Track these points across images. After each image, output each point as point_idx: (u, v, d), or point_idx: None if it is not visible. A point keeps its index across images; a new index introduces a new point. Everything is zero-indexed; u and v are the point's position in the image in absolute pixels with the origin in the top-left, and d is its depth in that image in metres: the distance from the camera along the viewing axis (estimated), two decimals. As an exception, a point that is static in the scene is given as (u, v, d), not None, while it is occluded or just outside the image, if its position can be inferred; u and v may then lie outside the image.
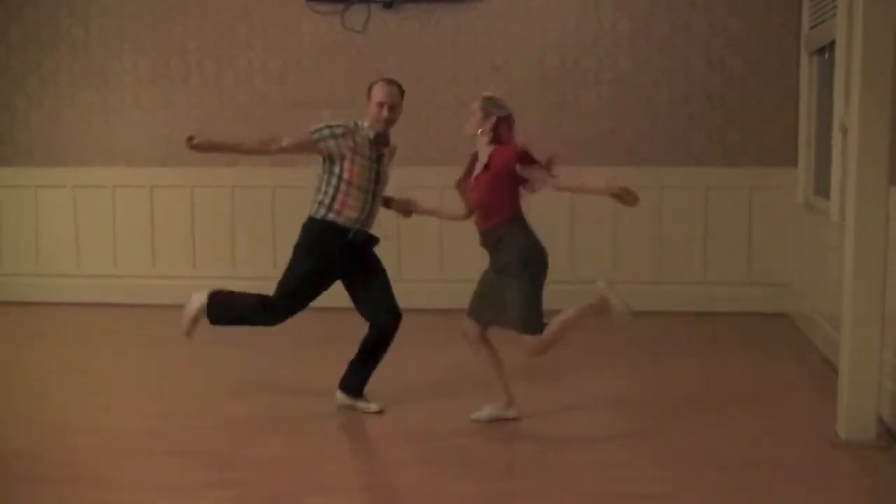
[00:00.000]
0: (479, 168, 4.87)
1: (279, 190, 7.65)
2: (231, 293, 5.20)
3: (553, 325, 4.82)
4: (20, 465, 4.51)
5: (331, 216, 5.00)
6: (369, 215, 5.09)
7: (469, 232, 7.64)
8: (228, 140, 5.16)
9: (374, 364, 5.21)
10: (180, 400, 5.49)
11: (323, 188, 5.04)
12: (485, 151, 4.86)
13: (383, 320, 5.11)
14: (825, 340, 6.21)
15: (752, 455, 4.59)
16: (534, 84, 7.63)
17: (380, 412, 5.16)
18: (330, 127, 4.99)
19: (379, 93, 5.02)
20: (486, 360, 5.00)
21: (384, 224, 5.32)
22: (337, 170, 4.99)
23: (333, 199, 5.00)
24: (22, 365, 6.35)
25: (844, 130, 5.66)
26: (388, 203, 5.21)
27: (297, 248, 5.09)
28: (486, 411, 5.02)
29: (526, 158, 4.74)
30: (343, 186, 4.98)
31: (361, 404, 5.21)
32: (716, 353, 6.50)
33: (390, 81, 5.09)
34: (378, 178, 5.07)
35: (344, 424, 5.08)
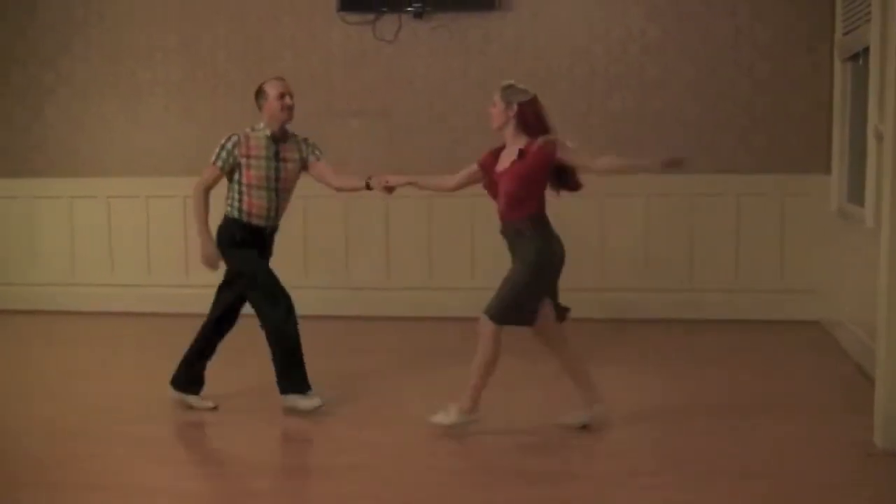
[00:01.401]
0: (508, 159, 4.84)
1: (309, 200, 7.65)
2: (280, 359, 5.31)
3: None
4: (47, 473, 4.55)
5: (244, 218, 5.29)
6: (278, 210, 5.36)
7: (501, 240, 7.70)
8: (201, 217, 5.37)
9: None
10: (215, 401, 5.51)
11: (229, 193, 5.34)
12: (515, 142, 4.83)
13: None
14: (859, 348, 6.16)
15: (785, 464, 4.56)
16: (562, 91, 7.62)
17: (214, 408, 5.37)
18: (222, 146, 5.31)
19: (276, 86, 5.29)
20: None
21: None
22: (237, 176, 5.30)
23: (240, 202, 5.30)
24: (53, 373, 6.40)
25: (879, 137, 5.62)
26: (367, 186, 5.35)
27: (223, 251, 5.35)
28: (452, 414, 4.90)
29: (561, 149, 4.75)
30: (245, 189, 5.28)
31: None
32: (747, 361, 6.46)
33: (279, 77, 5.42)
34: (278, 175, 5.29)
35: (375, 434, 5.07)
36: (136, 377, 6.27)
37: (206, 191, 5.35)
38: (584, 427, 4.96)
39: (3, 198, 8.31)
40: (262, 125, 5.33)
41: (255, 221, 5.29)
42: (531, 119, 4.80)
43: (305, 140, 5.45)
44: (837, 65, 7.15)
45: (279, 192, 5.31)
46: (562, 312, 4.97)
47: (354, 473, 4.49)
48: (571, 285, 7.74)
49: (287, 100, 5.27)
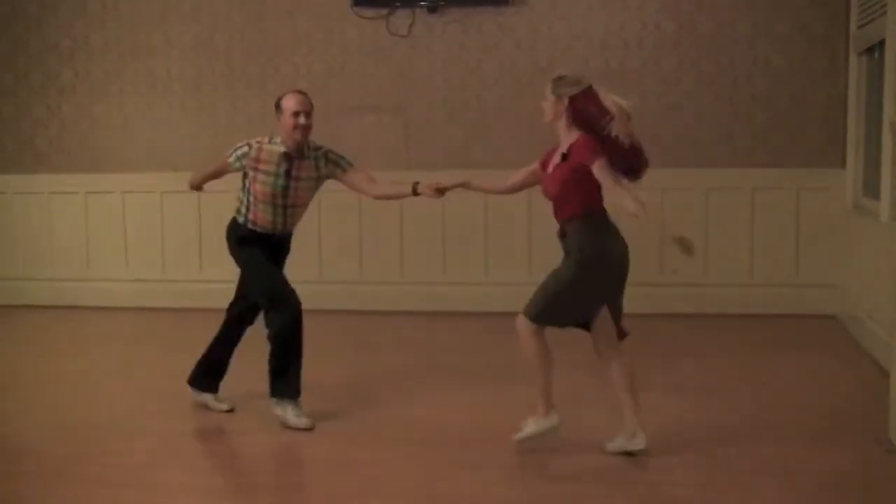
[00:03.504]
0: (557, 158, 4.50)
1: (325, 195, 7.67)
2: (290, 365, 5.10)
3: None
4: (76, 468, 4.58)
5: (249, 225, 5.11)
6: (286, 223, 5.13)
7: (513, 235, 7.72)
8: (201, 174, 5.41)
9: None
10: (231, 402, 5.53)
11: (240, 196, 5.15)
12: (568, 138, 4.45)
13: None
14: (876, 343, 6.13)
15: (802, 461, 4.54)
16: (577, 86, 7.61)
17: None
18: (238, 147, 5.09)
19: (292, 103, 4.95)
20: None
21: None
22: (246, 183, 5.10)
23: (247, 209, 5.11)
24: (73, 368, 6.44)
25: (895, 130, 5.60)
26: (414, 192, 5.00)
27: (232, 251, 5.19)
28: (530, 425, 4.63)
29: (609, 161, 4.34)
30: (252, 199, 5.08)
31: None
32: (763, 357, 6.43)
33: (299, 91, 5.10)
34: (286, 194, 5.03)
35: (396, 428, 5.08)
36: (154, 373, 6.29)
37: (214, 173, 5.32)
38: (628, 454, 4.57)
39: (21, 193, 8.36)
40: (278, 139, 5.01)
41: (260, 231, 5.09)
42: (582, 114, 4.39)
43: (327, 154, 5.09)
44: (853, 58, 7.12)
45: (287, 208, 5.06)
46: (620, 330, 4.58)
47: (376, 467, 4.52)
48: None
49: (301, 119, 4.91)
